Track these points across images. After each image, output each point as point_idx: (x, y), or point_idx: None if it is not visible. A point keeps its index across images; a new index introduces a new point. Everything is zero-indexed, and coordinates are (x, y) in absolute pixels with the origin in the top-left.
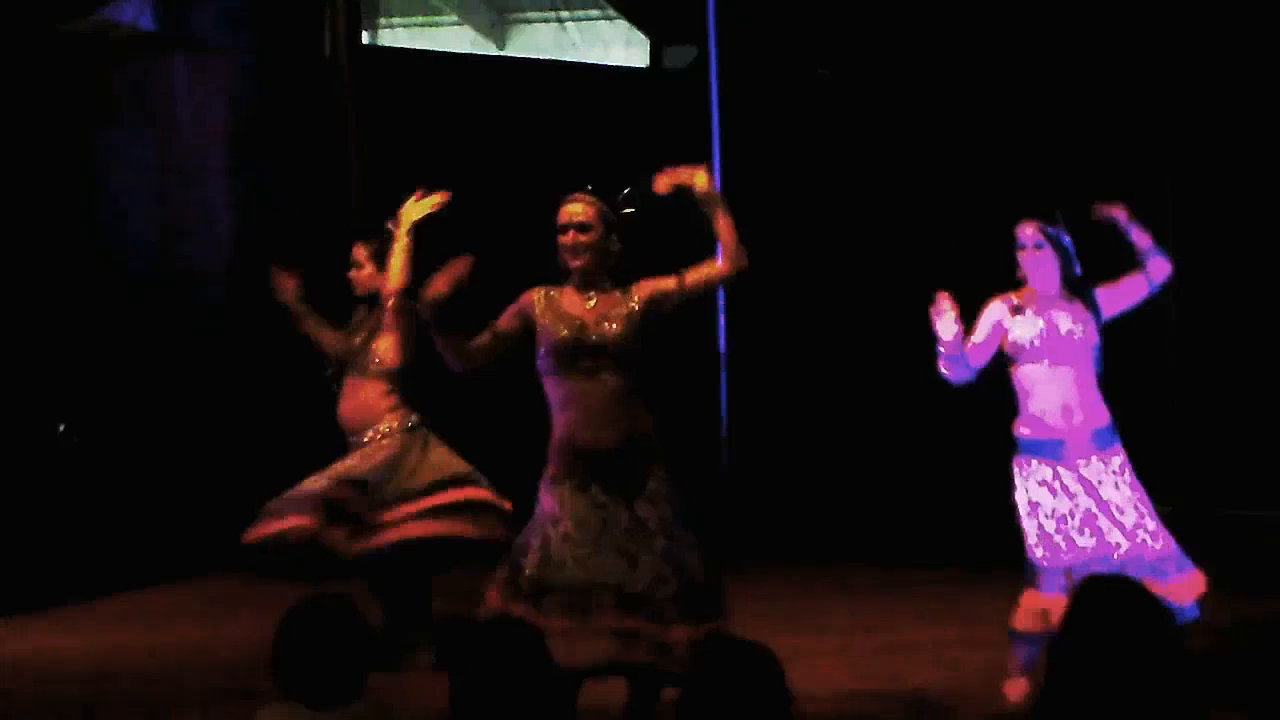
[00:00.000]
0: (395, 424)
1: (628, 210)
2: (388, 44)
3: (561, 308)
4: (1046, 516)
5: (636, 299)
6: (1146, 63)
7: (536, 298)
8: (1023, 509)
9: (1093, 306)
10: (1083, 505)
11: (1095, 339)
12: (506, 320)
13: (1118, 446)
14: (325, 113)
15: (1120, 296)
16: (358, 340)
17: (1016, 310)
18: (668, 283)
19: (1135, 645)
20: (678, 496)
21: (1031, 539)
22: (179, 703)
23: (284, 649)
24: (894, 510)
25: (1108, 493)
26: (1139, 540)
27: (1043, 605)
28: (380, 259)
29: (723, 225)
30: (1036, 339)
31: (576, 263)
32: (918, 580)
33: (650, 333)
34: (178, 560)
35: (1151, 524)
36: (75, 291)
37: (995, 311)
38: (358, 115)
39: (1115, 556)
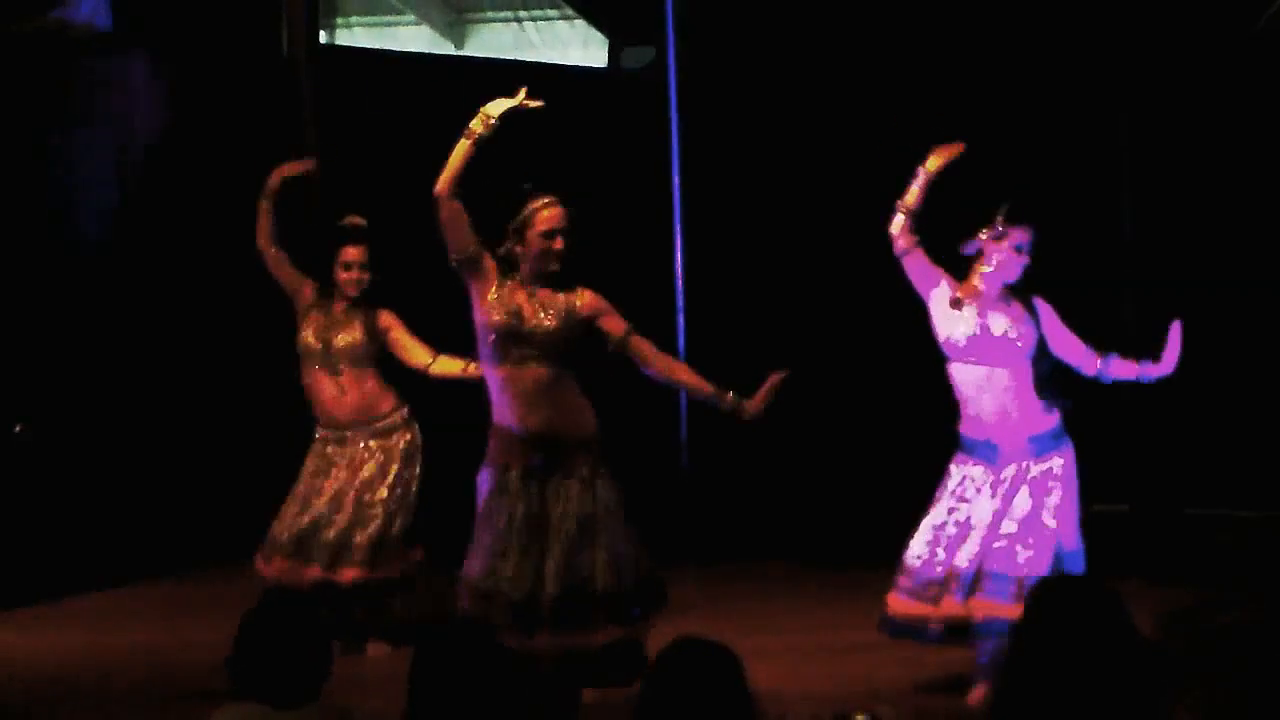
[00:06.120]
0: (404, 413)
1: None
2: (345, 43)
3: (506, 295)
4: (947, 516)
5: (580, 307)
6: (1101, 57)
7: (495, 275)
8: (938, 504)
9: (1031, 309)
10: (990, 510)
11: (1031, 343)
12: (476, 240)
13: (1053, 455)
14: (283, 112)
15: (1068, 350)
16: (360, 334)
17: (955, 304)
18: (617, 324)
19: (1093, 643)
20: (606, 492)
21: (920, 541)
22: (133, 704)
23: (244, 648)
24: (852, 510)
25: (998, 504)
26: (1005, 549)
27: (907, 609)
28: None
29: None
30: (967, 339)
31: (556, 267)
32: (877, 579)
33: (582, 336)
34: (130, 562)
35: (1031, 541)
36: (31, 291)
37: (942, 283)
38: (315, 114)
39: (982, 563)
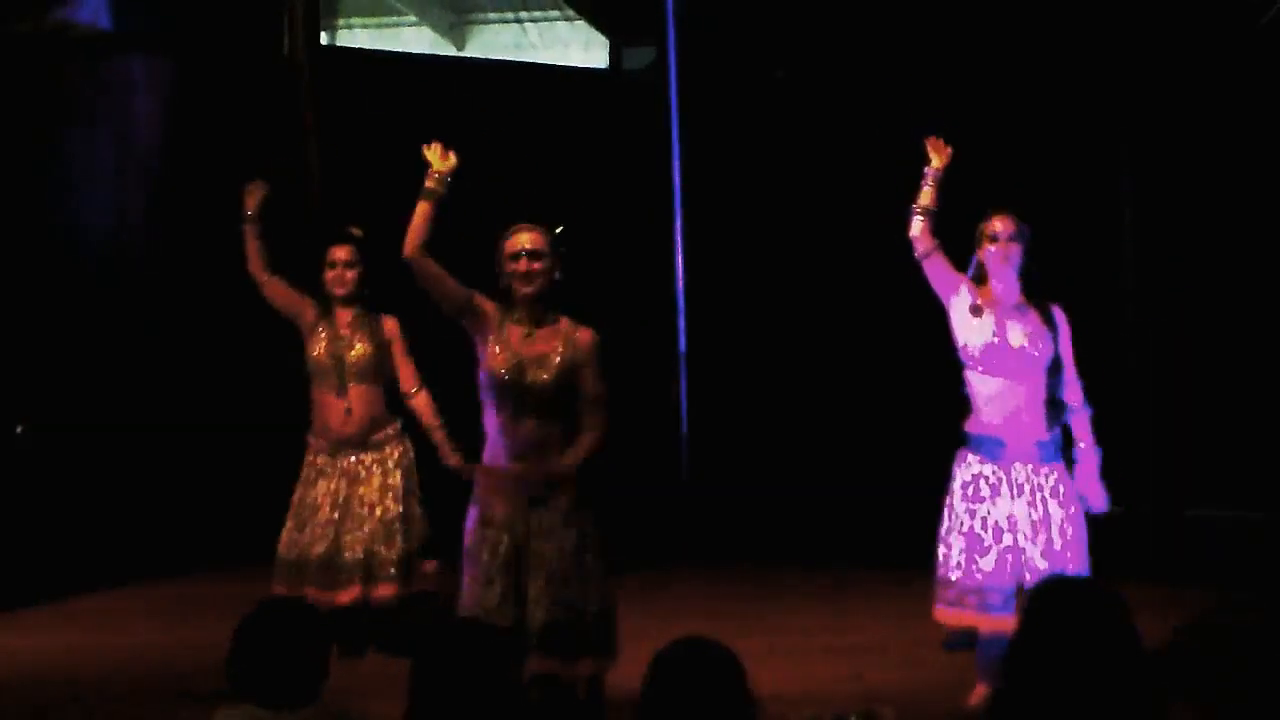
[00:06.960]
0: (397, 426)
1: (561, 248)
2: (346, 44)
3: (507, 338)
4: (971, 520)
5: (575, 346)
6: (1103, 59)
7: (496, 316)
8: (952, 503)
9: (1050, 320)
10: (1005, 511)
11: (1049, 355)
12: (464, 289)
13: (1055, 465)
14: (284, 113)
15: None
16: (369, 346)
17: (975, 310)
18: (591, 384)
19: (1093, 644)
20: (583, 531)
21: (947, 549)
22: (133, 704)
23: (243, 650)
24: (851, 511)
25: (1021, 508)
26: (1059, 557)
27: (961, 620)
28: (363, 260)
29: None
30: (984, 350)
31: (528, 289)
32: (876, 580)
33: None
34: (131, 563)
35: (1059, 544)
36: (32, 290)
37: (962, 288)
38: (316, 115)
39: (1029, 577)
